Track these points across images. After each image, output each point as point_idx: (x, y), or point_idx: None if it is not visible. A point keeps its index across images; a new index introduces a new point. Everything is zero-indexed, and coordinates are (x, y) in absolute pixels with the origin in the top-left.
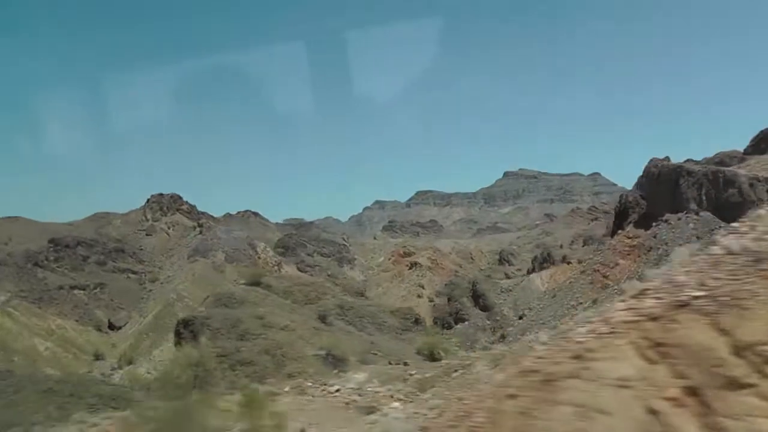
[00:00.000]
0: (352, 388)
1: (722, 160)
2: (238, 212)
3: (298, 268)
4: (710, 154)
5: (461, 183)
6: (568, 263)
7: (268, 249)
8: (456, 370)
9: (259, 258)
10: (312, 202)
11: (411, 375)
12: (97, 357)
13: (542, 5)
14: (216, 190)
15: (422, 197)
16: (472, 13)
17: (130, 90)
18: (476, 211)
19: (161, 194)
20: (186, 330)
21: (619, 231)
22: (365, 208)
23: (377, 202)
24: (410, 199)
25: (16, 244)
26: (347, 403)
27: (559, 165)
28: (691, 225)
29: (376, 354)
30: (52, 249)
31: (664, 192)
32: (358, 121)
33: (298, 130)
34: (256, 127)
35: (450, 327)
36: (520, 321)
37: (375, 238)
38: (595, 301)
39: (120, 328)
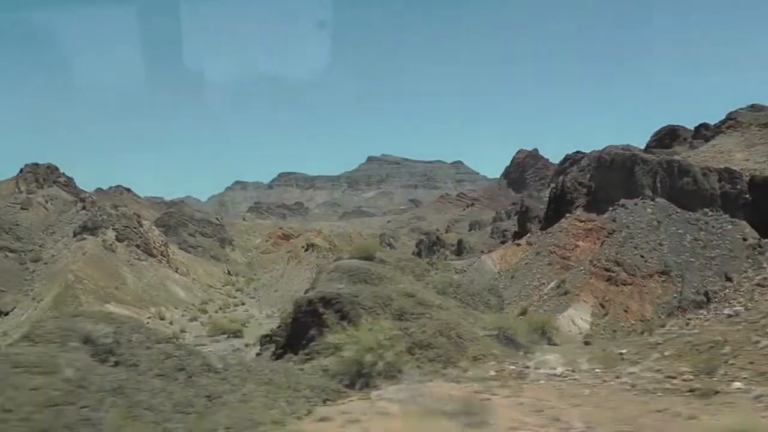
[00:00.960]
0: (569, 370)
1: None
2: (110, 187)
3: (181, 248)
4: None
5: (324, 166)
6: (518, 245)
7: (153, 227)
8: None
9: (147, 237)
10: (167, 180)
11: (621, 354)
12: None
13: None
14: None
15: (285, 179)
16: None
17: None
18: (339, 195)
19: (36, 164)
20: (329, 309)
21: (567, 215)
22: (227, 188)
23: (238, 182)
24: (273, 181)
25: None
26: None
27: (421, 152)
28: (649, 210)
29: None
30: None
31: (617, 178)
32: (212, 99)
33: (133, 102)
34: (83, 96)
35: None
36: None
37: (245, 220)
38: (563, 281)
39: (7, 313)
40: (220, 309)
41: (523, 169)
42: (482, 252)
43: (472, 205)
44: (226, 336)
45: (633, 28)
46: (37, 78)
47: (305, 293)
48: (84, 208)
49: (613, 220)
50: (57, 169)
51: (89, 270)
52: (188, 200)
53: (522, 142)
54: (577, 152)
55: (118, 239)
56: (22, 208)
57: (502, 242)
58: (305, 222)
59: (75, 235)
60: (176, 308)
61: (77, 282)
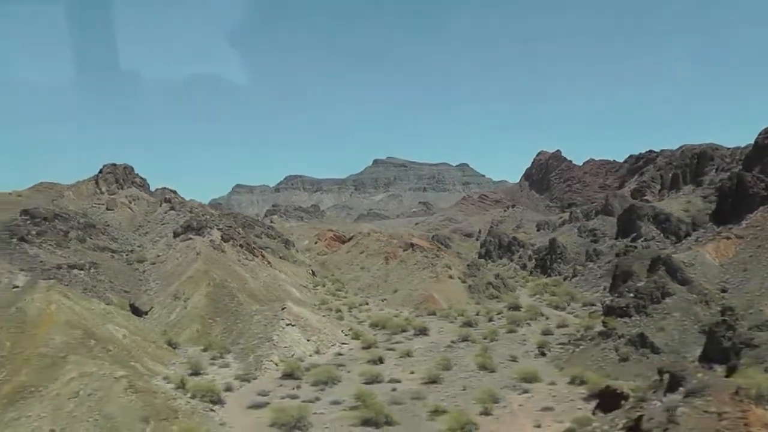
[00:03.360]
0: None
1: None
2: (156, 189)
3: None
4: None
5: (331, 169)
6: (728, 238)
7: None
8: None
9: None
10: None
11: None
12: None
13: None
14: None
15: (292, 182)
16: None
17: None
18: (347, 198)
19: (114, 165)
20: None
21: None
22: (233, 191)
23: (240, 185)
24: (279, 184)
25: None
26: None
27: (427, 155)
28: None
29: None
30: (29, 222)
31: None
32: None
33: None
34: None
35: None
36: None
37: (272, 222)
38: None
39: (146, 313)
40: (353, 309)
41: (546, 170)
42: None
43: (514, 206)
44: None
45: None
46: None
47: None
48: (173, 208)
49: None
50: (133, 170)
51: (213, 270)
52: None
53: (526, 145)
54: (650, 151)
55: (223, 239)
56: (107, 209)
57: (593, 241)
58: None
59: (177, 235)
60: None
61: (223, 281)
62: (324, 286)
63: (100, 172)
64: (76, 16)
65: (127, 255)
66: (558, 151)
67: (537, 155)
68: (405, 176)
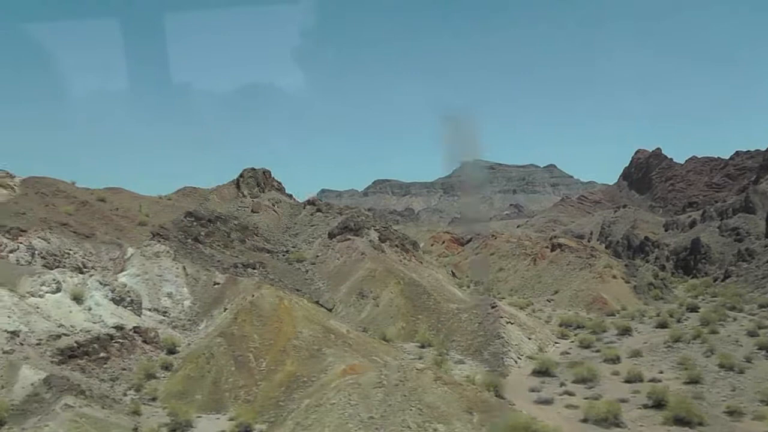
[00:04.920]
0: None
1: None
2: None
3: (402, 250)
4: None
5: (418, 172)
6: None
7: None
8: None
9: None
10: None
11: None
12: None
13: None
14: None
15: (380, 186)
16: None
17: None
18: (437, 201)
19: (254, 169)
20: None
21: None
22: (321, 195)
23: (325, 190)
24: (368, 188)
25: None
26: None
27: (513, 156)
28: None
29: None
30: (196, 224)
31: None
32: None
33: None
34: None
35: None
36: None
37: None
38: None
39: (330, 310)
40: (523, 309)
41: (646, 169)
42: None
43: (625, 206)
44: None
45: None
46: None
47: None
48: (319, 210)
49: None
50: (271, 173)
51: (392, 268)
52: None
53: (616, 144)
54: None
55: (380, 239)
56: (252, 212)
57: (737, 240)
58: (417, 227)
59: (333, 236)
60: None
61: (411, 280)
62: (469, 287)
63: (241, 176)
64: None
65: (283, 255)
66: (658, 148)
67: (635, 153)
68: (493, 178)
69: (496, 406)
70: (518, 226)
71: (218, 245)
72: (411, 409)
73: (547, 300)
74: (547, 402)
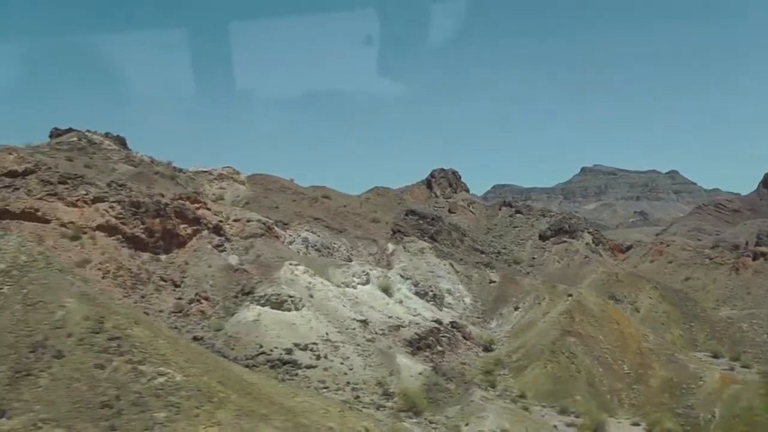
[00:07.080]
0: None
1: None
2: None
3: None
4: None
5: (537, 178)
6: None
7: None
8: None
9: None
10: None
11: None
12: None
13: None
14: None
15: (499, 191)
16: None
17: None
18: (557, 206)
19: (443, 170)
20: None
21: None
22: None
23: None
24: (487, 193)
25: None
26: None
27: (633, 162)
28: None
29: None
30: (422, 222)
31: None
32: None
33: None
34: None
35: None
36: None
37: None
38: None
39: None
40: None
41: None
42: None
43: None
44: None
45: None
46: None
47: None
48: (519, 212)
49: None
50: (458, 174)
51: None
52: None
53: (744, 149)
54: None
55: (593, 242)
56: (449, 212)
57: None
58: None
59: (545, 238)
60: None
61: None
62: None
63: (432, 176)
64: None
65: (495, 257)
66: None
67: None
68: (615, 184)
69: None
70: (657, 234)
71: (445, 244)
72: None
73: None
74: None
